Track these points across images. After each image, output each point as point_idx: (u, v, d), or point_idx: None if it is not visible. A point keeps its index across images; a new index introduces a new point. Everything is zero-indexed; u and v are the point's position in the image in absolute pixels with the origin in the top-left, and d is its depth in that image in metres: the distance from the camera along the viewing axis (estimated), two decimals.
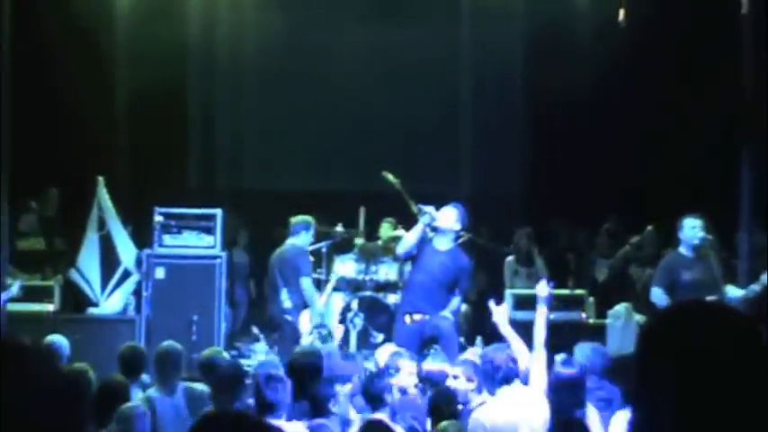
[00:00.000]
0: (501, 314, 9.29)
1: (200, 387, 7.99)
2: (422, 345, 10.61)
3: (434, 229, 10.62)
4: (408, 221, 11.40)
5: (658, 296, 10.31)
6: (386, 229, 13.30)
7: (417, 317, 10.48)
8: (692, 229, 10.25)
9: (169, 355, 7.98)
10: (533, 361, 8.03)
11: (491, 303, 9.05)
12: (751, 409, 1.87)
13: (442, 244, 10.60)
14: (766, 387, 1.89)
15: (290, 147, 16.60)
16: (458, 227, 10.63)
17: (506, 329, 9.57)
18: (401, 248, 10.75)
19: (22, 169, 13.02)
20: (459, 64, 17.34)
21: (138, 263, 11.84)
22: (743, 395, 1.87)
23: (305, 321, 11.59)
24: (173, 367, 7.87)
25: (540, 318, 8.77)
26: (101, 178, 12.13)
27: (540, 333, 8.69)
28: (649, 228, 13.67)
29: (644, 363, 1.98)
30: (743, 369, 1.89)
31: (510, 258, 13.85)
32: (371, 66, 16.41)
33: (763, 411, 1.88)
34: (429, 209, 10.58)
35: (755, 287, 10.12)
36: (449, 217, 10.60)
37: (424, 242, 10.62)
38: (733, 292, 10.15)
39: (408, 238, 10.70)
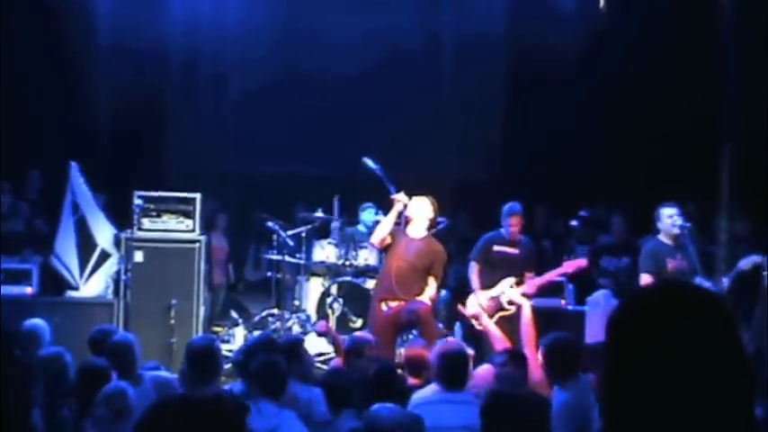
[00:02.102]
0: (473, 311, 9.39)
1: (167, 374, 7.96)
2: (399, 331, 10.62)
3: (407, 219, 10.69)
4: (390, 207, 11.39)
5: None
6: (368, 215, 13.29)
7: (394, 303, 10.48)
8: (669, 218, 10.25)
9: (124, 347, 7.87)
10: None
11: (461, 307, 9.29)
12: (718, 390, 1.85)
13: (417, 232, 10.66)
14: (734, 369, 1.87)
15: (273, 130, 16.55)
16: (431, 215, 10.69)
17: (485, 321, 9.59)
18: (375, 237, 10.78)
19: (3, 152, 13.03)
20: (440, 47, 17.32)
21: (117, 245, 11.80)
22: (710, 376, 1.84)
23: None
24: (131, 358, 7.78)
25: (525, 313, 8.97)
26: (74, 163, 12.08)
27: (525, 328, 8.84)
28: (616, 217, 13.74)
29: (612, 343, 1.94)
30: (712, 349, 1.86)
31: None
32: (353, 49, 16.36)
33: (728, 391, 1.86)
34: (400, 196, 10.65)
35: (725, 279, 10.11)
36: (421, 206, 10.67)
37: (398, 231, 10.67)
38: (705, 282, 10.14)
39: (382, 227, 10.74)
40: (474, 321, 9.94)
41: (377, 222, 11.59)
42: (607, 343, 1.94)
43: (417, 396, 7.14)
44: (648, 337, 1.85)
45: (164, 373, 8.13)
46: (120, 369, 7.63)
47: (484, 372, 8.13)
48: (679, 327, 1.85)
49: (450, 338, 9.96)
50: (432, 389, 7.32)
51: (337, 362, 9.31)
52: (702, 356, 1.83)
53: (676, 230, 10.17)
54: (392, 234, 10.62)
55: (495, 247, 11.11)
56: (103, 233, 11.96)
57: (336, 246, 13.02)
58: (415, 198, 10.70)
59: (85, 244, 11.90)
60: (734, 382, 1.84)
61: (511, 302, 10.72)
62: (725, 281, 10.06)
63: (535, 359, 7.89)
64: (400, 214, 10.69)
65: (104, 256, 11.89)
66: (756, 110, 12.38)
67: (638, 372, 1.85)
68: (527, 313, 9.19)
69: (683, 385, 1.81)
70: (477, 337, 10.43)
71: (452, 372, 7.19)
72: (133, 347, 7.86)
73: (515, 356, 7.54)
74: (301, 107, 16.47)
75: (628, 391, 1.85)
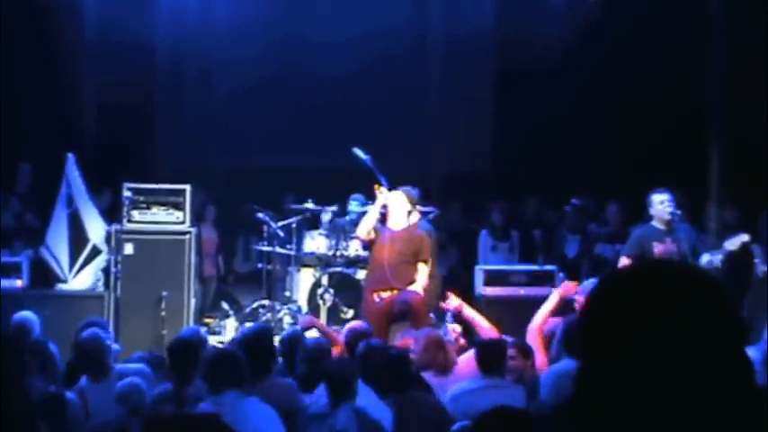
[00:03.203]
0: (454, 304, 9.51)
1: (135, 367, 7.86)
2: (391, 322, 10.64)
3: (385, 214, 10.83)
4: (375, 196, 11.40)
5: None
6: (354, 206, 13.28)
7: (385, 294, 10.51)
8: (660, 203, 10.27)
9: (92, 345, 7.76)
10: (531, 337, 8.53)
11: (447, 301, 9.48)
12: (706, 368, 1.74)
13: (397, 224, 10.78)
14: (720, 345, 1.77)
15: (262, 123, 16.51)
16: (408, 207, 10.82)
17: (468, 312, 9.66)
18: (361, 230, 10.89)
19: None
20: (429, 41, 17.31)
21: (107, 239, 11.78)
22: (696, 354, 1.73)
23: None
24: (102, 355, 7.68)
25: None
26: (70, 155, 12.05)
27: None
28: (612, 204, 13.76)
29: (587, 321, 1.84)
30: (697, 326, 1.76)
31: (485, 233, 13.88)
32: (342, 43, 16.31)
33: (717, 377, 1.75)
34: (382, 189, 10.78)
35: (714, 258, 10.12)
36: (397, 200, 10.83)
37: (379, 227, 10.82)
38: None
39: (367, 219, 10.87)
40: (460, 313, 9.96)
41: (362, 213, 11.64)
42: (583, 322, 1.85)
43: (459, 386, 7.41)
44: (626, 315, 1.76)
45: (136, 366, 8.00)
46: (89, 367, 7.50)
47: (467, 359, 8.27)
48: (658, 303, 1.76)
49: (439, 326, 10.02)
50: (472, 377, 7.60)
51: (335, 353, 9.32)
52: (686, 334, 1.75)
53: (668, 216, 10.19)
54: (375, 230, 10.75)
55: None
56: (96, 228, 11.94)
57: (327, 236, 13.01)
58: (389, 193, 10.83)
59: (77, 238, 11.88)
60: (722, 353, 1.76)
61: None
62: (708, 264, 10.04)
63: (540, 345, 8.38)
64: (384, 206, 10.81)
65: (95, 251, 11.86)
66: (745, 99, 12.39)
67: (613, 350, 1.76)
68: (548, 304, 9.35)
69: (663, 363, 1.73)
70: (467, 326, 10.45)
71: (491, 359, 7.48)
72: (102, 345, 7.68)
73: (522, 348, 7.96)
74: (291, 100, 16.43)
75: (604, 373, 1.78)
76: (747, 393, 1.75)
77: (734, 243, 10.09)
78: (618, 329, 1.78)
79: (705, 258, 10.04)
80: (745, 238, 10.07)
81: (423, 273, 10.69)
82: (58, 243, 11.87)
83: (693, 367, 1.74)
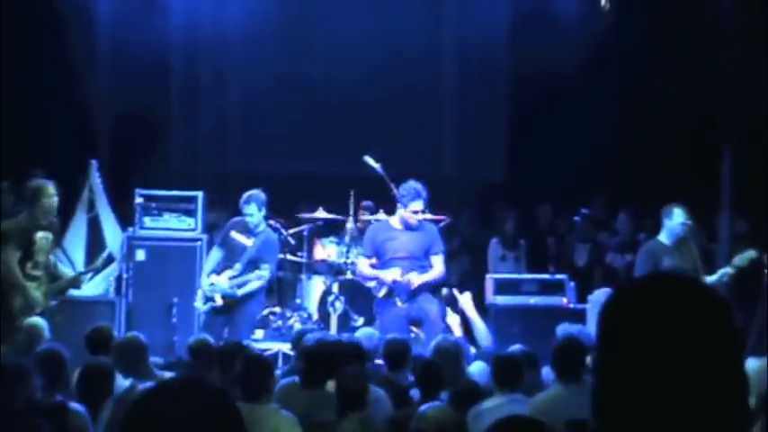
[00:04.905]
0: (466, 301, 9.49)
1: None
2: (408, 326, 10.67)
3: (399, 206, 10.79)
4: (390, 205, 11.39)
5: None
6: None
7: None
8: (671, 216, 10.31)
9: (134, 345, 7.93)
10: None
11: (455, 292, 9.39)
12: (710, 379, 1.81)
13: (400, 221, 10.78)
14: (730, 363, 1.84)
15: (274, 130, 16.53)
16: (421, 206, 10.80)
17: (471, 313, 9.68)
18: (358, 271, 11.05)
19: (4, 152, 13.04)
20: (443, 46, 17.30)
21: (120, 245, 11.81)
22: (702, 365, 1.80)
23: None
24: (143, 355, 7.83)
25: None
26: (93, 161, 12.11)
27: None
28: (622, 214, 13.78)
29: (603, 332, 1.90)
30: (705, 339, 1.82)
31: (495, 241, 13.87)
32: (356, 48, 16.34)
33: (720, 380, 1.82)
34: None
35: (728, 270, 10.17)
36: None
37: (384, 227, 10.75)
38: (708, 278, 10.21)
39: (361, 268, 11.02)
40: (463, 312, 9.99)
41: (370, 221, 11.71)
42: (598, 333, 1.91)
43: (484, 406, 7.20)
44: (639, 326, 1.81)
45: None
46: (129, 366, 7.63)
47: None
48: (670, 315, 1.80)
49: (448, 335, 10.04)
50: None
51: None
52: (695, 345, 1.79)
53: (678, 228, 10.24)
54: (379, 230, 10.73)
55: None
56: (113, 236, 11.97)
57: (338, 244, 13.01)
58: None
59: (95, 243, 11.91)
60: (726, 370, 1.80)
61: None
62: (723, 276, 10.09)
63: None
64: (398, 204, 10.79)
65: (110, 259, 11.87)
66: (757, 111, 12.38)
67: (628, 361, 1.82)
68: None
69: (673, 374, 1.77)
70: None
71: (506, 374, 7.31)
72: (143, 344, 7.89)
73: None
74: (304, 106, 16.44)
75: (619, 382, 1.82)
76: (737, 410, 1.81)
77: (743, 259, 10.14)
78: (623, 345, 1.85)
79: (714, 275, 10.08)
80: (753, 254, 10.11)
81: (438, 264, 10.67)
82: (74, 247, 11.91)
83: (691, 382, 1.80)
